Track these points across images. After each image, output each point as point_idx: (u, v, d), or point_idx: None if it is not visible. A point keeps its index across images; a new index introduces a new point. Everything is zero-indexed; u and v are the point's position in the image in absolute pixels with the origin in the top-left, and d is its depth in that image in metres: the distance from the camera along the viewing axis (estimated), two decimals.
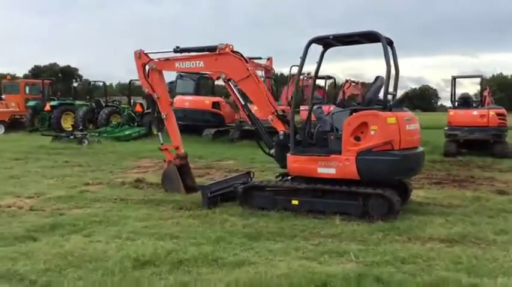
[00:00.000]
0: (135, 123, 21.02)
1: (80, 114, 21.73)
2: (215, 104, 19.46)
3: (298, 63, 7.16)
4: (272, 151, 7.74)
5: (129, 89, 26.43)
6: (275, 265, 4.62)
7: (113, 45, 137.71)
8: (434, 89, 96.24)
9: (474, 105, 16.01)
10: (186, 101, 19.52)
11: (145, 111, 21.37)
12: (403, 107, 6.83)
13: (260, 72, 21.68)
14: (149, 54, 8.59)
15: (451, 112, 15.54)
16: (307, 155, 6.70)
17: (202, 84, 20.55)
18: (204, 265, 4.61)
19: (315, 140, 7.07)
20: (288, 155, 6.88)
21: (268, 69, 21.45)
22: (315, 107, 7.30)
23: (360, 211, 6.37)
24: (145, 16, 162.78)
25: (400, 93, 6.85)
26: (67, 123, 22.10)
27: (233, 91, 8.15)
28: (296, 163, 6.76)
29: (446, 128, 15.34)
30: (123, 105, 23.44)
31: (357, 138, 6.40)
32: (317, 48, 7.00)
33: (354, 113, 6.53)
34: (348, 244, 5.32)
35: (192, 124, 19.43)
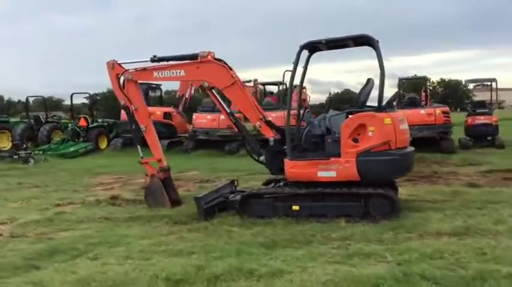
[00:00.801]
0: (80, 139, 20.05)
1: (17, 132, 20.37)
2: (167, 115, 19.05)
3: (291, 68, 7.13)
4: (262, 158, 7.68)
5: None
6: (311, 271, 4.53)
7: (26, 58, 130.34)
8: (355, 92, 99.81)
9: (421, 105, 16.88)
10: None
11: (91, 125, 20.51)
12: (394, 107, 7.02)
13: None
14: (123, 65, 8.25)
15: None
16: (306, 160, 6.70)
17: (151, 95, 20.03)
18: (240, 278, 4.45)
19: (304, 145, 7.08)
20: (286, 160, 6.85)
21: None
22: (305, 111, 7.31)
23: (362, 212, 6.46)
24: (61, 27, 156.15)
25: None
26: (3, 143, 20.65)
27: (217, 99, 8.02)
28: (295, 168, 6.74)
29: None
30: (64, 121, 22.31)
31: (355, 140, 6.50)
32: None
33: (350, 116, 6.62)
34: (367, 245, 5.36)
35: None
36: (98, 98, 34.86)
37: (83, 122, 20.45)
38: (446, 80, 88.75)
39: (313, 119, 7.28)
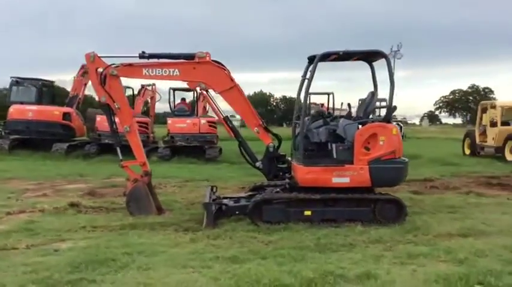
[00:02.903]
0: None
1: None
2: (66, 115, 17.43)
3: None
4: (258, 164, 7.66)
5: None
6: (394, 272, 4.76)
7: None
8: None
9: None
10: (29, 111, 17.08)
11: None
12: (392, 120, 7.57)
13: None
14: (102, 59, 7.52)
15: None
16: (321, 166, 6.86)
17: (45, 93, 18.17)
18: (336, 283, 4.46)
19: (302, 151, 7.22)
20: (300, 166, 6.92)
21: None
22: (305, 119, 7.46)
23: (370, 217, 6.84)
24: None
25: None
26: None
27: (212, 102, 7.78)
28: (310, 173, 6.85)
29: None
30: None
31: (367, 148, 6.87)
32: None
33: (363, 125, 6.97)
34: (405, 246, 5.75)
35: (37, 138, 17.09)
36: None
37: None
38: (288, 97, 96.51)
39: (312, 127, 7.45)
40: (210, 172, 13.76)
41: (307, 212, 6.81)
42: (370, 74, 7.61)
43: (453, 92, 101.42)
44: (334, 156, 7.01)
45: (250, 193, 7.83)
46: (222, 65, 7.50)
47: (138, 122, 17.20)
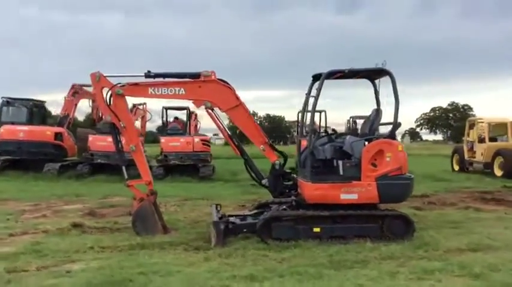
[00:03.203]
0: None
1: None
2: (58, 135, 17.27)
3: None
4: (264, 181, 7.68)
5: None
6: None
7: None
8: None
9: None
10: (19, 131, 16.87)
11: None
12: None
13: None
14: (108, 78, 7.53)
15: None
16: (329, 183, 6.91)
17: (35, 113, 18.00)
18: None
19: (310, 168, 7.23)
20: (306, 183, 6.96)
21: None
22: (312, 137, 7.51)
23: (378, 233, 6.88)
24: None
25: None
26: None
27: (218, 121, 7.81)
28: (318, 190, 6.89)
29: None
30: None
31: (374, 165, 6.95)
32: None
33: (369, 142, 7.06)
34: (417, 262, 5.79)
35: (29, 159, 16.87)
36: None
37: None
38: (271, 115, 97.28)
39: (317, 145, 7.50)
40: (205, 190, 13.72)
41: (316, 229, 6.83)
42: (373, 91, 7.76)
43: (433, 109, 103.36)
44: (341, 173, 7.07)
45: (255, 211, 7.83)
46: (227, 83, 7.56)
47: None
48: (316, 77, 7.50)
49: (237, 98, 7.52)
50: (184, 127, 18.10)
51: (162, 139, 17.45)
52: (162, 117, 18.06)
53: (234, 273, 5.30)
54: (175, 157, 16.96)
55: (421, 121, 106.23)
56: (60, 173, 16.67)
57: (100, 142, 16.91)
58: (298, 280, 5.06)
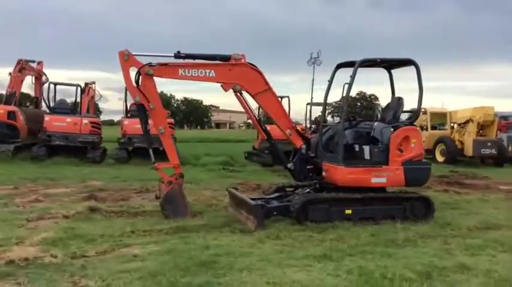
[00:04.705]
0: None
1: None
2: (11, 114, 16.07)
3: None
4: (290, 165, 7.85)
5: None
6: (479, 262, 5.27)
7: None
8: None
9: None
10: None
11: None
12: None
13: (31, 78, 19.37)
14: (136, 57, 7.28)
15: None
16: (360, 167, 7.25)
17: None
18: (446, 275, 4.83)
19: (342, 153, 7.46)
20: (339, 167, 7.24)
21: (40, 75, 19.12)
22: (336, 122, 7.81)
23: (402, 214, 7.36)
24: None
25: None
26: None
27: (247, 105, 7.83)
28: (351, 174, 7.21)
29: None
30: None
31: (400, 150, 7.39)
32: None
33: (395, 129, 7.47)
34: (457, 240, 6.32)
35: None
36: None
37: None
38: (189, 99, 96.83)
39: (340, 130, 7.78)
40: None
41: (348, 211, 7.15)
42: (389, 80, 8.23)
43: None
44: (367, 157, 7.45)
45: (277, 194, 7.95)
46: (257, 67, 7.60)
47: (91, 122, 16.54)
48: (339, 66, 7.79)
49: (266, 82, 7.59)
50: (74, 106, 17.63)
51: (125, 121, 16.86)
52: (49, 93, 17.41)
53: (306, 253, 5.47)
54: (138, 139, 16.41)
55: (332, 109, 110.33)
56: (14, 155, 15.59)
57: (57, 123, 16.00)
58: (369, 259, 5.30)
